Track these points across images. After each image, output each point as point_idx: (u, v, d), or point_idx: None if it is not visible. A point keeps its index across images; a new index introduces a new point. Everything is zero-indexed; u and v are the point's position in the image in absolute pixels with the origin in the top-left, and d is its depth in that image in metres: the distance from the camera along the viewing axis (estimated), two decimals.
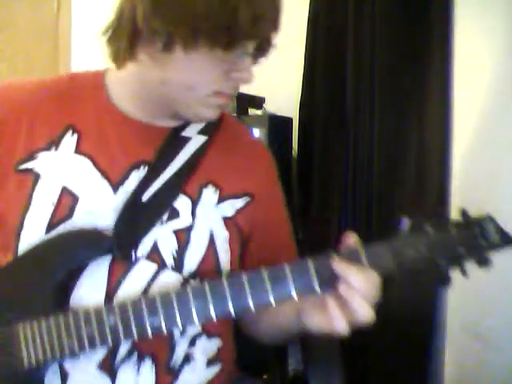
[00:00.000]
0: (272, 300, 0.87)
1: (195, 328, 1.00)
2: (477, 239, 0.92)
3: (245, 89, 2.37)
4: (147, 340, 0.89)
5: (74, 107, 1.02)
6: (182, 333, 0.97)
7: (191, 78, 0.94)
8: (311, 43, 2.36)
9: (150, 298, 0.88)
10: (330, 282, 0.87)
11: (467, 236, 0.92)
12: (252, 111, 2.41)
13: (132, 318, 0.87)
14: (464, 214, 0.93)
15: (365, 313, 0.86)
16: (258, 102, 2.40)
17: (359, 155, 2.16)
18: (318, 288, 0.88)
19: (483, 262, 0.91)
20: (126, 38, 0.91)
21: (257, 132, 2.20)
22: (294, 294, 0.87)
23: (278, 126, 2.29)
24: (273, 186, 1.14)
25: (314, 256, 0.89)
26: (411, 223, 0.91)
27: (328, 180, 2.27)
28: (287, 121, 2.34)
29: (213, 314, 0.87)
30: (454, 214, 0.95)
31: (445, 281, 0.91)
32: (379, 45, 2.09)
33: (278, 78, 2.48)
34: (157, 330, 0.87)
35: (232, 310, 0.88)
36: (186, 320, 0.87)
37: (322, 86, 2.32)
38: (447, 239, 0.91)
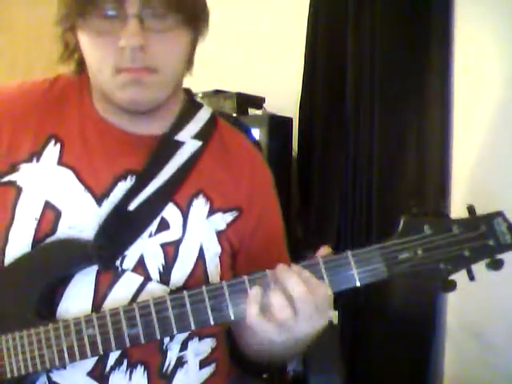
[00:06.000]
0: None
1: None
2: (485, 239, 0.83)
3: (245, 89, 2.39)
4: (132, 348, 0.88)
5: (56, 115, 0.98)
6: (173, 337, 0.95)
7: (91, 59, 0.92)
8: (311, 43, 2.36)
9: (129, 308, 0.86)
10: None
11: (473, 236, 0.83)
12: (252, 111, 2.41)
13: (110, 329, 0.85)
14: (471, 210, 0.85)
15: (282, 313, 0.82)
16: (258, 102, 2.40)
17: (359, 155, 2.16)
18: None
19: (493, 264, 0.83)
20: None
21: (257, 132, 2.20)
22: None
23: (278, 125, 2.29)
24: (265, 198, 1.08)
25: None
26: (407, 223, 0.84)
27: (328, 180, 2.27)
28: (287, 121, 2.34)
29: (192, 323, 0.85)
30: (457, 214, 0.87)
31: (447, 286, 0.84)
32: (379, 44, 2.09)
33: (278, 78, 2.48)
34: (135, 341, 0.85)
35: (212, 320, 0.85)
36: (165, 330, 0.85)
37: (322, 86, 2.32)
38: (449, 240, 0.83)
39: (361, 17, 2.15)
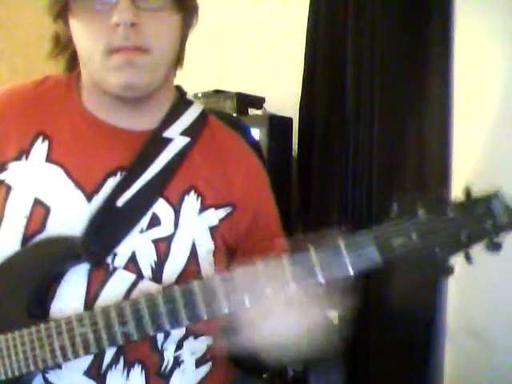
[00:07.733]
0: (247, 304, 0.83)
1: (180, 330, 0.96)
2: (482, 221, 0.80)
3: (245, 89, 2.39)
4: (129, 345, 0.88)
5: (44, 112, 0.98)
6: (168, 337, 0.95)
7: (83, 43, 0.92)
8: (311, 43, 2.36)
9: (120, 305, 0.85)
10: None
11: (470, 218, 0.80)
12: (252, 111, 2.41)
13: (102, 327, 0.85)
14: (468, 192, 0.82)
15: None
16: (258, 101, 2.41)
17: (359, 155, 2.16)
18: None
19: (492, 246, 0.80)
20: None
21: (257, 132, 2.20)
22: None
23: (278, 126, 2.29)
24: (261, 195, 1.08)
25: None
26: (401, 208, 0.82)
27: (328, 180, 2.27)
28: (287, 121, 2.34)
29: (184, 318, 0.84)
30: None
31: (443, 270, 0.81)
32: (379, 45, 2.10)
33: (278, 78, 2.48)
34: (128, 338, 0.85)
35: (205, 314, 0.84)
36: (157, 326, 0.85)
37: (322, 86, 2.32)
38: (445, 223, 0.80)
39: (361, 16, 2.16)
